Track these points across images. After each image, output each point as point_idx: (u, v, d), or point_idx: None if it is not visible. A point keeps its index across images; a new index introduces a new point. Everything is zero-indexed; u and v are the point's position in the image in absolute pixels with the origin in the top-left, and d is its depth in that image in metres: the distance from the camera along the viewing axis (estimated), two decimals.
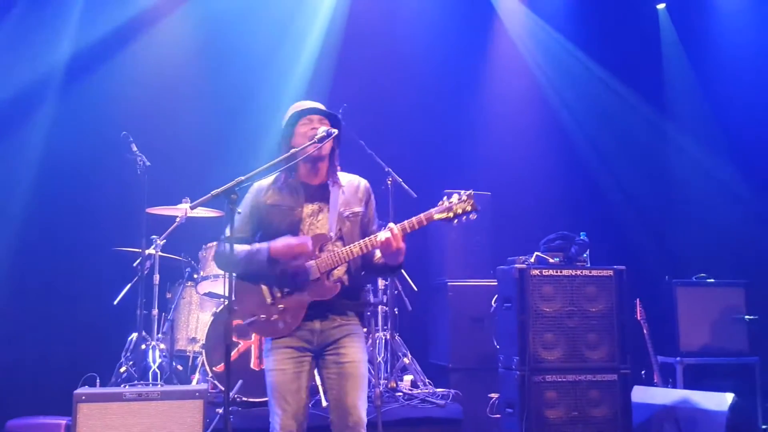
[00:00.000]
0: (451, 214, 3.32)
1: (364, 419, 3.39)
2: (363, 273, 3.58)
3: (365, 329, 3.91)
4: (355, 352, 3.41)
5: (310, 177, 3.52)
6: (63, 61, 6.78)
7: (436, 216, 3.33)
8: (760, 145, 7.29)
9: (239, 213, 3.37)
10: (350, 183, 3.58)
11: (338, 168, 3.59)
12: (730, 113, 7.63)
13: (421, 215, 3.34)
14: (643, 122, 7.89)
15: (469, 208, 3.32)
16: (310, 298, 3.37)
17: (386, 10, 7.58)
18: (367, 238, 3.38)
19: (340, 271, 3.44)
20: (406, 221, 3.35)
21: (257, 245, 3.41)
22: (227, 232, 3.42)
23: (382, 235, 3.29)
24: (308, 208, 3.47)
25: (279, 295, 3.41)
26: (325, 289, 3.37)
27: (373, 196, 3.66)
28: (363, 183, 3.63)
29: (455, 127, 7.69)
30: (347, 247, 3.37)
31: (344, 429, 3.37)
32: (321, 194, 3.50)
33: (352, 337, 3.44)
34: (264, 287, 3.43)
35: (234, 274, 3.32)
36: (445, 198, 3.36)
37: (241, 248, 3.41)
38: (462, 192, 3.34)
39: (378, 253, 3.46)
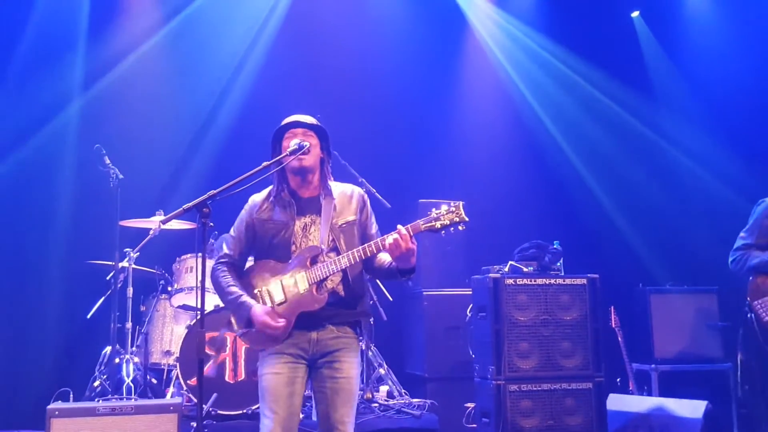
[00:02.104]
0: (438, 225, 3.31)
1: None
2: (367, 279, 3.61)
3: (362, 341, 3.75)
4: (350, 368, 3.42)
5: (301, 190, 3.54)
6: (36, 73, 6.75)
7: (423, 226, 3.32)
8: (733, 151, 7.37)
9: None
10: (342, 193, 3.59)
11: (331, 178, 3.63)
12: (706, 119, 7.70)
13: (409, 225, 3.31)
14: (616, 131, 7.96)
15: (457, 219, 3.31)
16: (299, 310, 3.38)
17: (357, 19, 7.59)
18: (365, 245, 3.37)
19: (334, 282, 3.44)
20: (407, 225, 3.33)
21: (243, 299, 3.43)
22: (224, 247, 3.56)
23: (390, 237, 3.28)
24: (300, 222, 3.49)
25: (270, 306, 3.44)
26: (312, 300, 3.37)
27: (369, 203, 3.67)
28: (356, 191, 3.63)
29: (428, 136, 7.71)
30: (336, 258, 3.38)
31: None
32: (313, 207, 3.52)
33: (348, 351, 3.44)
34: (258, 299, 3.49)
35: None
36: (433, 209, 3.35)
37: (231, 287, 3.48)
38: (452, 203, 3.34)
39: (384, 257, 3.50)
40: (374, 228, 3.62)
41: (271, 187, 3.59)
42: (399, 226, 3.30)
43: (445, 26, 7.99)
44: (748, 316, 4.37)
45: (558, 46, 8.05)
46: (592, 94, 8.02)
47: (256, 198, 3.60)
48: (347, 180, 5.76)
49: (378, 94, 7.51)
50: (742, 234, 4.47)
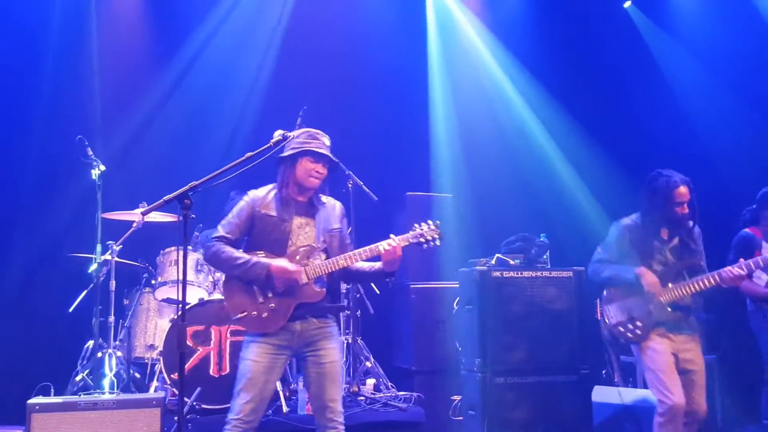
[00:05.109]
0: (422, 240, 3.80)
1: (341, 410, 3.84)
2: (347, 280, 4.17)
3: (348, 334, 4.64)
4: (333, 353, 3.85)
5: (298, 196, 3.94)
6: (18, 61, 6.65)
7: (411, 239, 3.80)
8: (724, 147, 7.35)
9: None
10: (329, 203, 4.06)
11: (326, 192, 4.07)
12: (696, 109, 7.67)
13: (401, 236, 3.80)
14: (602, 121, 7.93)
15: (436, 236, 3.81)
16: (298, 300, 3.78)
17: (347, 16, 7.58)
18: (363, 249, 3.80)
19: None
20: (398, 237, 3.80)
21: (255, 258, 3.77)
22: (220, 230, 3.84)
23: (385, 243, 3.76)
24: (297, 221, 3.90)
25: (270, 295, 3.78)
26: (312, 294, 3.80)
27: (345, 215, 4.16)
28: (338, 204, 4.12)
29: (416, 129, 7.69)
30: (335, 258, 3.81)
31: (325, 420, 3.79)
32: (308, 210, 3.95)
33: (330, 339, 3.87)
34: (255, 286, 3.79)
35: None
36: (416, 225, 3.85)
37: (237, 254, 3.79)
38: (431, 221, 3.83)
39: (360, 265, 3.92)
40: (349, 238, 4.11)
41: (271, 185, 3.96)
42: (392, 236, 3.79)
43: (434, 24, 7.97)
44: (598, 318, 4.83)
45: (546, 41, 8.01)
46: (579, 88, 7.96)
47: (258, 193, 3.94)
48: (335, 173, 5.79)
49: (366, 88, 7.50)
50: (598, 250, 4.82)
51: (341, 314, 6.21)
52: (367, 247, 3.81)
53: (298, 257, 3.81)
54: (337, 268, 3.79)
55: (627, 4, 8.18)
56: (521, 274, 5.31)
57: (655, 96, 7.84)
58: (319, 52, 7.42)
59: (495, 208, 7.43)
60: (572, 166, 7.88)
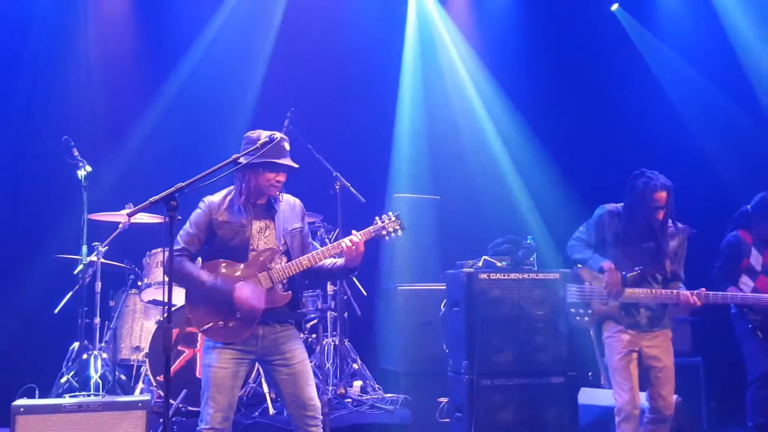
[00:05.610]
0: (384, 233, 3.86)
1: (320, 405, 3.82)
2: (307, 283, 4.02)
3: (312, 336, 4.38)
4: (300, 353, 3.81)
5: (257, 200, 3.85)
6: (5, 59, 6.63)
7: (373, 233, 3.84)
8: (714, 146, 7.39)
9: (183, 223, 3.67)
10: (287, 202, 3.97)
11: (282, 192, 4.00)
12: (682, 115, 7.72)
13: (362, 231, 3.81)
14: (593, 122, 7.96)
15: (397, 227, 3.87)
16: (264, 306, 3.69)
17: (336, 18, 7.59)
18: (325, 248, 3.80)
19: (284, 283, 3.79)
20: (360, 232, 3.80)
21: (219, 281, 3.68)
22: (179, 241, 3.75)
23: (347, 240, 3.74)
24: (257, 225, 3.81)
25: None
26: (279, 297, 3.75)
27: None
28: (298, 202, 4.03)
29: (403, 132, 7.70)
30: (298, 259, 3.76)
31: (305, 418, 3.75)
32: (267, 212, 3.86)
33: (292, 340, 3.82)
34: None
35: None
36: (377, 218, 3.88)
37: (196, 274, 3.69)
38: (390, 213, 3.90)
39: (324, 262, 3.88)
40: (309, 236, 4.05)
41: (226, 190, 3.86)
42: (354, 232, 3.78)
43: (422, 26, 8.00)
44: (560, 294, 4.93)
45: (536, 45, 8.04)
46: (568, 90, 7.98)
47: (214, 199, 3.83)
48: (321, 174, 5.79)
49: (354, 89, 7.50)
50: (581, 228, 4.89)
51: (328, 314, 6.22)
52: (329, 245, 3.81)
53: (261, 260, 3.74)
54: (302, 269, 3.74)
55: (614, 7, 8.23)
56: (508, 276, 5.30)
57: (644, 97, 7.89)
58: (309, 57, 7.43)
59: (482, 210, 7.45)
60: (562, 167, 7.89)
